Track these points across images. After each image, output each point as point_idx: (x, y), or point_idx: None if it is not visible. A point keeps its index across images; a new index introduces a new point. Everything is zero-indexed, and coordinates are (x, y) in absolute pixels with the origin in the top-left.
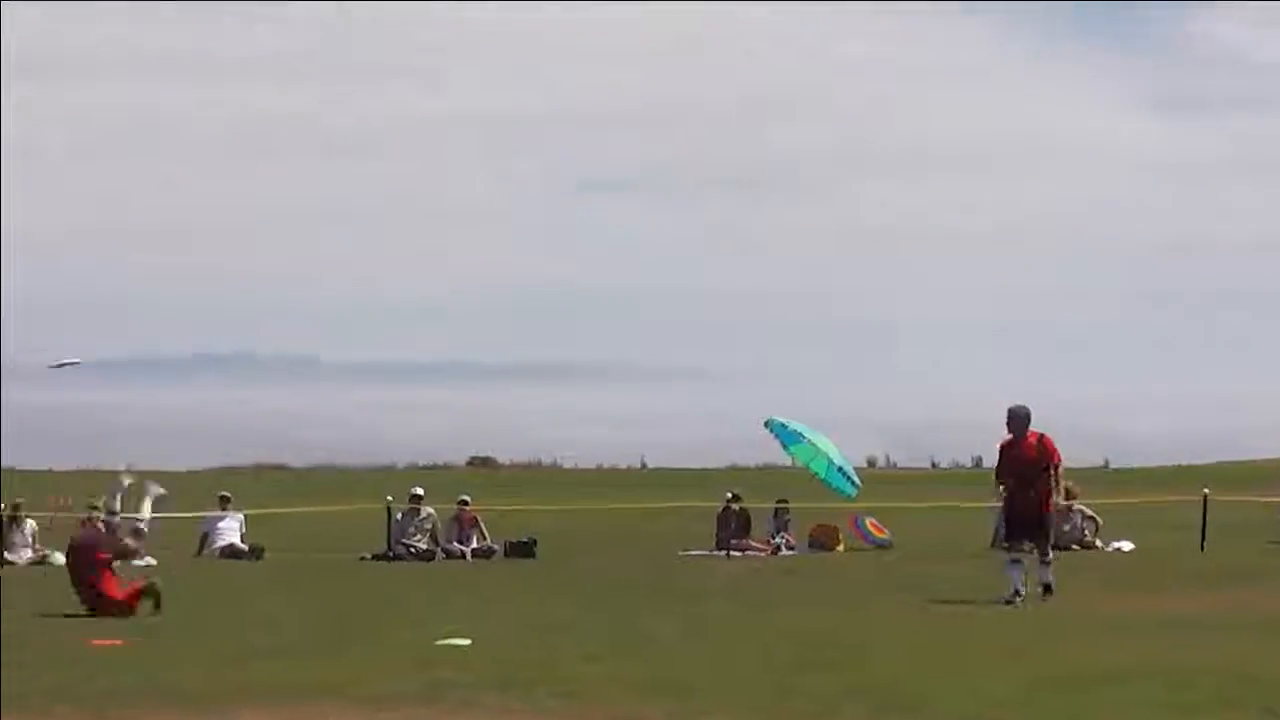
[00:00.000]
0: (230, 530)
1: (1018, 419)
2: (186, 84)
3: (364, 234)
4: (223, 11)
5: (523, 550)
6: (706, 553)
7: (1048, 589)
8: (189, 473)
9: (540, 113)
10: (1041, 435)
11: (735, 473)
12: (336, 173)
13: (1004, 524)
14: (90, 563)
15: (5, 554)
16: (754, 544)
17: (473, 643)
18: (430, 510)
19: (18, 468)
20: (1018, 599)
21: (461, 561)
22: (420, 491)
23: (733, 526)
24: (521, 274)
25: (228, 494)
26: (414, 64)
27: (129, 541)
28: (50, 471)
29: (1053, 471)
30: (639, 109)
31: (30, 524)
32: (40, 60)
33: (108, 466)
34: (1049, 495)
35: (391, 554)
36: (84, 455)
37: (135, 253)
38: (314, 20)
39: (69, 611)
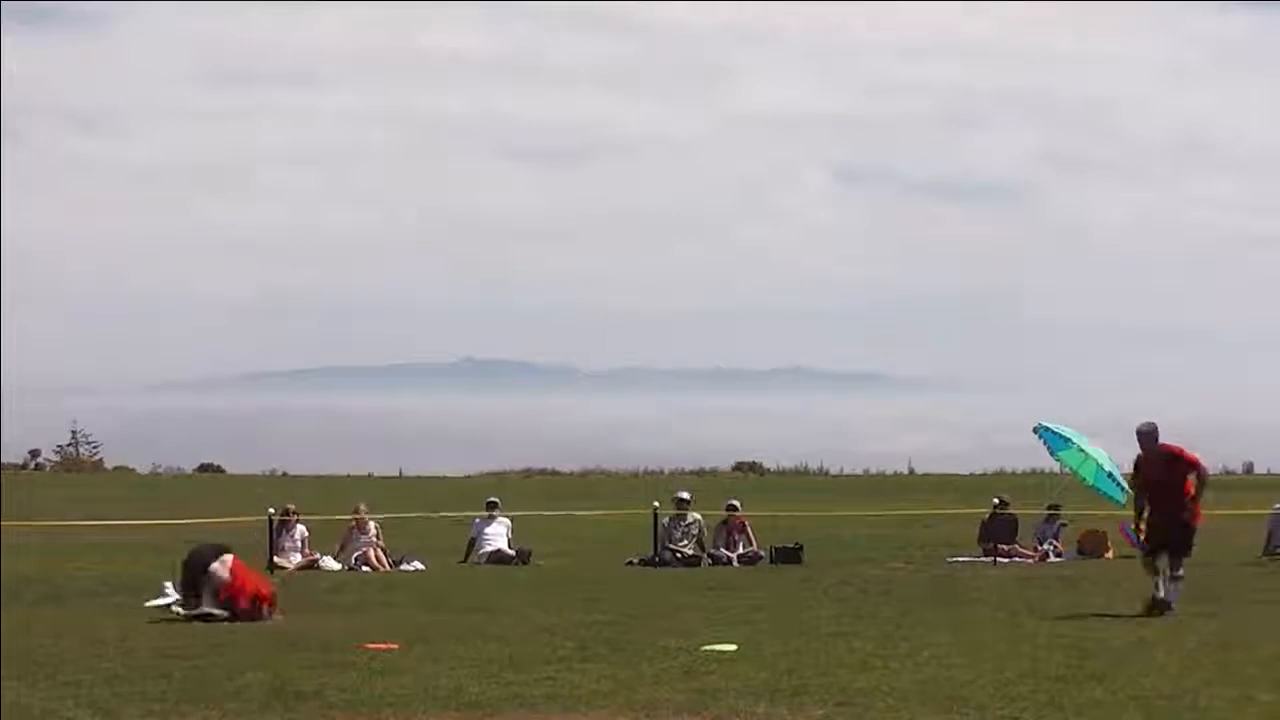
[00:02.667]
0: (498, 535)
1: (1142, 436)
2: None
3: (626, 244)
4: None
5: (789, 556)
6: (973, 559)
7: (1167, 606)
8: (460, 478)
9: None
10: (1171, 448)
11: (1004, 478)
12: (648, 180)
13: (1148, 538)
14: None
15: (275, 558)
16: (1021, 550)
17: (738, 649)
18: (697, 516)
19: (291, 472)
20: (1166, 611)
21: (728, 567)
22: (686, 496)
23: (1000, 533)
24: (793, 284)
25: (495, 499)
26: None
27: None
28: (342, 476)
29: (1193, 479)
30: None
31: (301, 528)
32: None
33: (381, 472)
34: (1185, 508)
35: (658, 559)
36: (361, 460)
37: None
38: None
39: (338, 616)
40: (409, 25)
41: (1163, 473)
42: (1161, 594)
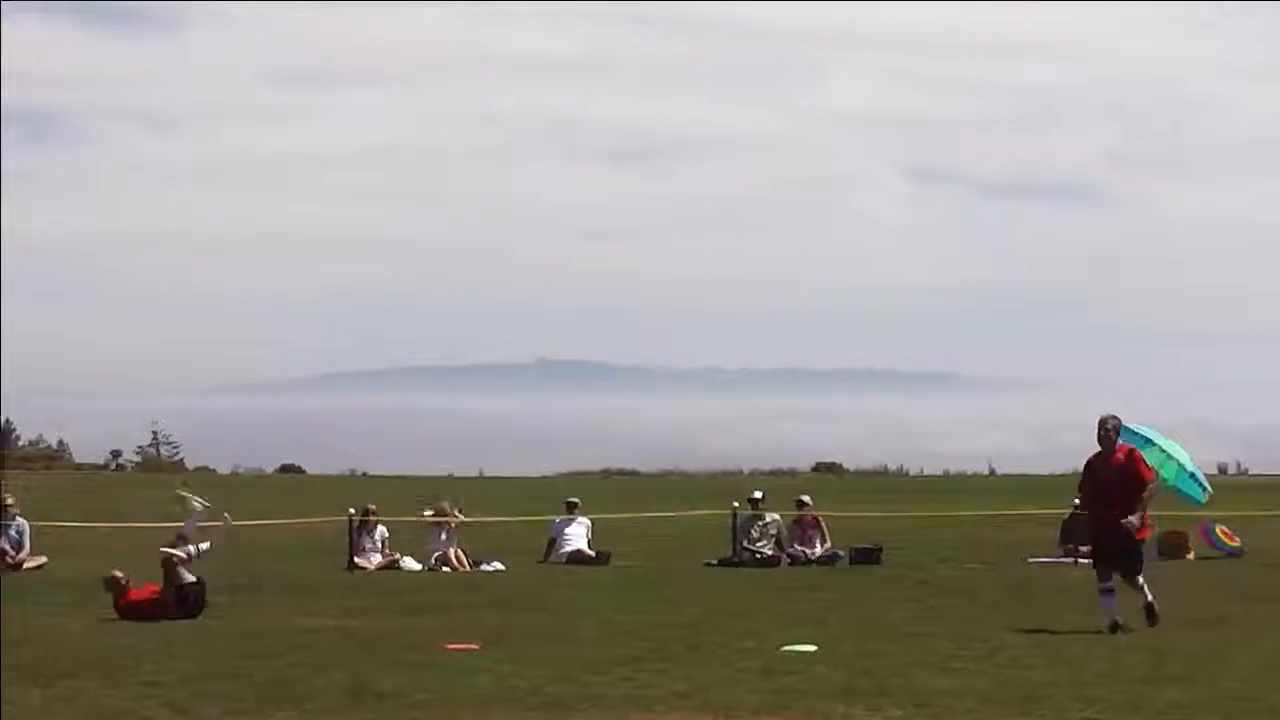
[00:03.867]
0: (577, 536)
1: (1109, 429)
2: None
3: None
4: None
5: (869, 557)
6: (1054, 560)
7: (1150, 611)
8: (540, 478)
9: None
10: (1131, 450)
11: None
12: (712, 178)
13: (1092, 547)
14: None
15: (355, 558)
16: None
17: (818, 650)
18: (775, 516)
19: (371, 472)
20: (1119, 630)
21: (806, 567)
22: (759, 495)
23: (1080, 534)
24: (882, 284)
25: (575, 499)
26: None
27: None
28: (416, 477)
29: (1141, 493)
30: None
31: (381, 529)
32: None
33: (459, 472)
34: (1130, 521)
35: (736, 560)
36: (439, 460)
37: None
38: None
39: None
40: (475, 25)
41: (1118, 478)
42: (1119, 619)
